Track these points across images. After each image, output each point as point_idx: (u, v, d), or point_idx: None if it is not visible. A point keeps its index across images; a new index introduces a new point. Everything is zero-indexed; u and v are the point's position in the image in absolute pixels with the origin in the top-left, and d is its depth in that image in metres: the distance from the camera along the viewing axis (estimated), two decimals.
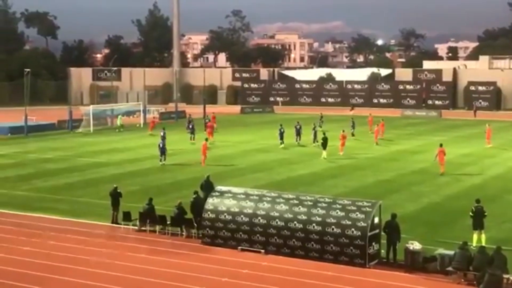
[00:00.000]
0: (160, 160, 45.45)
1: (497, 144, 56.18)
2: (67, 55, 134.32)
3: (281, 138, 53.96)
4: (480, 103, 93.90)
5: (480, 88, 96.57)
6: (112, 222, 29.43)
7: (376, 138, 55.78)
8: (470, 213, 25.82)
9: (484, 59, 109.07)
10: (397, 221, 24.21)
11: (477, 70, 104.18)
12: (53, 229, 28.60)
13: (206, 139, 48.42)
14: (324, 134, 49.05)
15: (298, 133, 55.96)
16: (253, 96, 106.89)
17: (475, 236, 25.35)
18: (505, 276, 21.31)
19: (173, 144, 51.73)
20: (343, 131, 51.47)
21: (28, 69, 72.19)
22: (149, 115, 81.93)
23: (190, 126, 58.92)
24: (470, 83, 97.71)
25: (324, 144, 47.49)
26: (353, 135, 58.57)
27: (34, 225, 29.44)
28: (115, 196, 29.67)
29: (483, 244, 24.10)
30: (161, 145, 45.81)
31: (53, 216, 31.08)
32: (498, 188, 37.01)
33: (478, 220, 25.51)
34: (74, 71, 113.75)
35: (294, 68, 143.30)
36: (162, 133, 50.75)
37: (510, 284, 21.05)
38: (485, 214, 25.62)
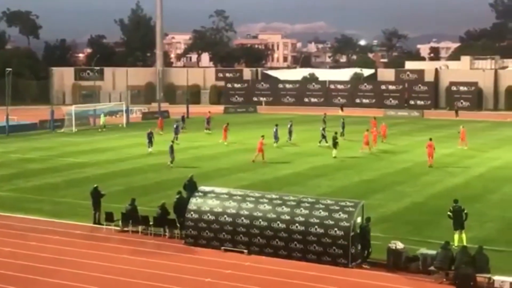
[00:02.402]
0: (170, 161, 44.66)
1: (479, 144, 56.62)
2: (49, 54, 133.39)
3: (275, 137, 54.29)
4: (462, 103, 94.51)
5: (461, 88, 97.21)
6: (94, 223, 29.29)
7: (375, 141, 52.76)
8: (448, 213, 25.90)
9: (465, 59, 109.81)
10: (369, 226, 24.22)
11: (459, 71, 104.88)
12: (35, 230, 28.42)
13: (263, 136, 47.94)
14: (335, 133, 49.90)
15: (289, 132, 56.56)
16: (237, 96, 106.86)
17: (456, 236, 25.47)
18: (487, 275, 21.51)
19: (157, 144, 51.56)
20: (367, 130, 52.49)
21: (9, 69, 71.72)
22: (132, 115, 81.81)
23: (175, 127, 58.66)
24: (452, 83, 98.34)
25: (335, 144, 48.16)
26: (342, 135, 57.92)
27: (16, 225, 29.23)
28: (96, 196, 29.52)
29: (465, 243, 24.24)
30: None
31: (35, 216, 30.88)
32: (480, 188, 37.28)
33: (458, 220, 25.60)
34: (56, 70, 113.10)
35: (277, 68, 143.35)
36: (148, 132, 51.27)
37: (492, 283, 21.23)
38: (466, 213, 25.70)
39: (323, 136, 54.22)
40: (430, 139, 45.59)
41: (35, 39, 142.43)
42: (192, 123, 68.44)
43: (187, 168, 42.40)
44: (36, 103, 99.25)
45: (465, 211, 25.71)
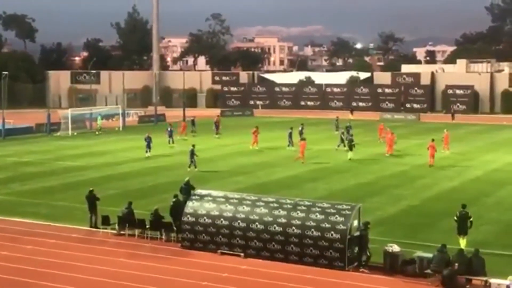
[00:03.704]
0: (189, 167, 43.97)
1: (475, 147, 56.79)
2: (45, 58, 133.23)
3: (290, 138, 54.36)
4: (458, 106, 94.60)
5: (457, 91, 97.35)
6: (91, 226, 29.26)
7: (391, 148, 51.67)
8: (455, 218, 25.85)
9: (461, 63, 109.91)
10: (367, 231, 24.18)
11: (455, 74, 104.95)
12: (32, 233, 28.36)
13: (304, 139, 48.99)
14: (351, 136, 50.82)
15: (301, 134, 56.66)
16: (233, 99, 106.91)
17: (460, 241, 25.26)
18: (483, 278, 21.56)
19: (153, 148, 51.48)
20: (392, 133, 52.45)
21: (6, 72, 71.59)
22: (128, 118, 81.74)
23: (169, 130, 58.52)
24: (448, 86, 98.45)
25: (351, 146, 49.09)
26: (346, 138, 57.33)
27: (12, 229, 29.17)
28: (91, 200, 29.48)
29: (463, 247, 24.16)
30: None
31: (31, 220, 30.82)
32: (476, 191, 37.30)
33: (462, 225, 25.46)
34: (52, 74, 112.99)
35: (274, 72, 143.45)
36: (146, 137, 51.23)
37: (488, 286, 21.27)
38: (471, 220, 25.52)
39: (342, 140, 53.97)
40: (432, 140, 46.55)
41: (31, 43, 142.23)
42: (189, 126, 68.21)
43: (183, 171, 42.36)
44: (32, 106, 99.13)
45: (471, 219, 25.52)
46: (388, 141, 51.89)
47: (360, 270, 23.41)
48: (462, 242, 25.20)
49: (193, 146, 45.01)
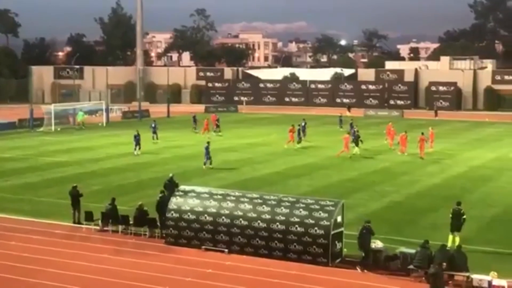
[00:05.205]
0: (204, 164, 43.65)
1: (458, 144, 57.11)
2: (28, 53, 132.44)
3: (299, 135, 54.41)
4: (441, 103, 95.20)
5: (441, 88, 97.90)
6: (74, 222, 29.13)
7: (404, 148, 50.46)
8: (450, 215, 25.94)
9: (445, 59, 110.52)
10: (371, 227, 24.05)
11: (438, 71, 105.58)
12: (15, 230, 28.19)
13: (348, 133, 50.60)
14: (357, 132, 51.72)
15: (303, 130, 57.08)
16: (217, 95, 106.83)
17: (450, 237, 25.37)
18: (465, 274, 21.71)
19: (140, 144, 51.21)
20: (405, 132, 51.37)
21: None
22: (112, 114, 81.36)
23: (153, 126, 58.24)
24: (431, 83, 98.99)
25: (357, 142, 49.68)
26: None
27: None
28: (75, 196, 29.34)
29: (449, 244, 24.20)
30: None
31: (14, 216, 30.62)
32: (459, 188, 37.53)
33: (455, 222, 25.53)
34: (35, 69, 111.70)
35: (258, 68, 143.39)
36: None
37: (470, 282, 21.43)
38: (464, 218, 25.60)
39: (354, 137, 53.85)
40: (422, 133, 48.46)
41: (14, 38, 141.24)
42: (174, 122, 68.11)
43: (167, 167, 42.29)
44: (15, 101, 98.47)
45: (464, 216, 25.63)
46: (401, 140, 51.14)
47: (357, 268, 23.30)
48: (454, 239, 25.14)
49: (208, 142, 44.54)
